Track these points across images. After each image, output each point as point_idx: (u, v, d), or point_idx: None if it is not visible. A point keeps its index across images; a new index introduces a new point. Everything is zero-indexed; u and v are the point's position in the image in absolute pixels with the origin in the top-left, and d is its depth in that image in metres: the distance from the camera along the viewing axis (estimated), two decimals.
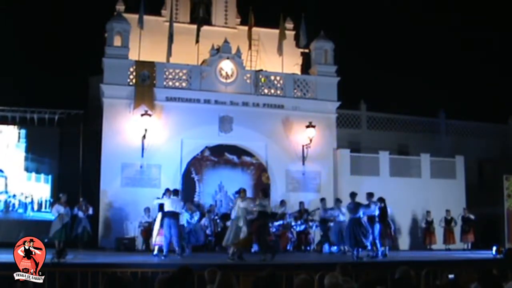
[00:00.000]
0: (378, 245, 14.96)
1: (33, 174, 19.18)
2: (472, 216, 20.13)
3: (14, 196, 18.89)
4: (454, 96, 28.35)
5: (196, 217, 16.39)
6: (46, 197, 19.15)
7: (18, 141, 19.24)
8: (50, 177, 19.29)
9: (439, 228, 20.40)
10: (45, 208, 18.94)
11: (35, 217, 18.80)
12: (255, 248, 16.47)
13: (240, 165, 19.92)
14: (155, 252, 14.70)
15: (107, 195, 18.40)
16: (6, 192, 18.85)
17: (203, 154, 19.52)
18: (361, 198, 15.07)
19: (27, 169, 19.10)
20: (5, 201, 18.76)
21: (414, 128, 24.78)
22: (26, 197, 18.92)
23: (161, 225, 14.37)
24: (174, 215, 14.22)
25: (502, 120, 26.43)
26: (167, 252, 14.07)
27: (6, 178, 18.89)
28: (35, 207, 19.04)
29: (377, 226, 14.92)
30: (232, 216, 13.68)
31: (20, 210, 18.88)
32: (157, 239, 14.62)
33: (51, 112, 19.33)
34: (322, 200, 17.96)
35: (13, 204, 18.87)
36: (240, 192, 13.78)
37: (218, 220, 18.02)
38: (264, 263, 12.31)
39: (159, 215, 14.73)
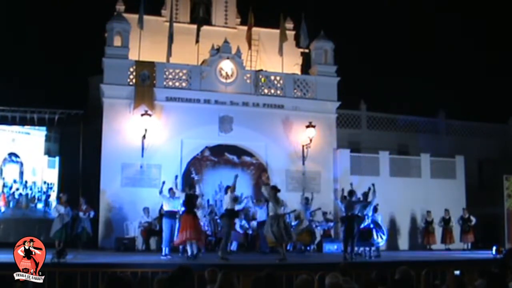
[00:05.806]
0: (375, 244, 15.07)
1: (56, 159, 17.43)
2: (473, 218, 20.10)
3: (31, 187, 17.02)
4: (454, 96, 28.34)
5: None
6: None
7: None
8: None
9: (439, 228, 20.39)
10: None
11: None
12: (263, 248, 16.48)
13: (240, 165, 19.90)
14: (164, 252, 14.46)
15: (107, 195, 18.37)
16: (21, 182, 17.05)
17: (203, 154, 19.52)
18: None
19: (48, 153, 17.41)
20: (20, 194, 16.85)
21: (414, 128, 24.75)
22: (48, 188, 17.28)
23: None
24: (172, 215, 14.17)
25: (502, 120, 26.41)
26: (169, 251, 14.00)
27: (21, 164, 17.20)
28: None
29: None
30: (271, 212, 13.41)
31: (40, 206, 16.96)
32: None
33: (51, 112, 19.31)
34: (306, 198, 17.77)
35: (32, 198, 16.82)
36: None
37: (218, 220, 18.00)
38: (272, 263, 12.24)
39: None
